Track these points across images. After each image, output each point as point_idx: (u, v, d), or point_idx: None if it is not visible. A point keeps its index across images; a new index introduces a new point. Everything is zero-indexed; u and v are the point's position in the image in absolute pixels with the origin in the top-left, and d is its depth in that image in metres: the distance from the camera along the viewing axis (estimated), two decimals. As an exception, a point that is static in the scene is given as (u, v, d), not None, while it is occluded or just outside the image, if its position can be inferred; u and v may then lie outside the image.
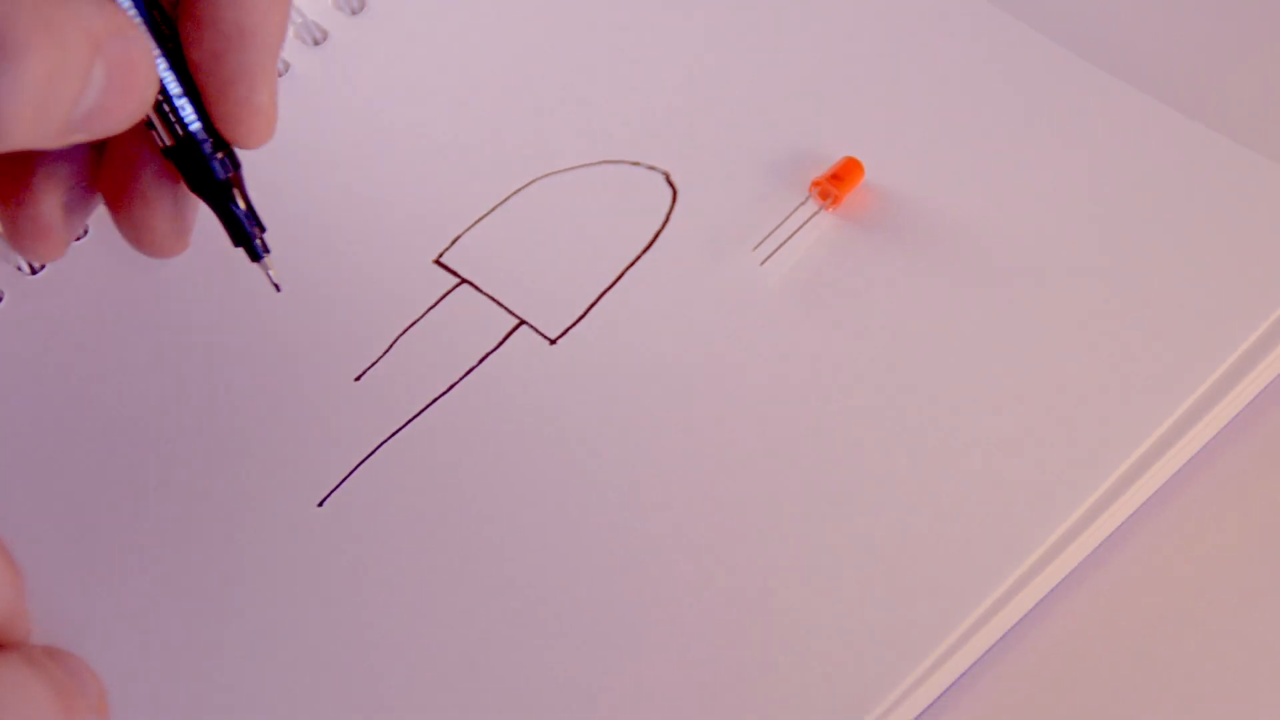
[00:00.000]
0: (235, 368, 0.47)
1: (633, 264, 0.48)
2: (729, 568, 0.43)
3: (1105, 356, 0.46)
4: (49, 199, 0.46)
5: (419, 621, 0.43)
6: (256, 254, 0.44)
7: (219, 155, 0.43)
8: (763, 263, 0.48)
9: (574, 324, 0.48)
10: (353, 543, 0.44)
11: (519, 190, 0.50)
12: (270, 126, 0.43)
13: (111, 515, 0.45)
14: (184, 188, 0.43)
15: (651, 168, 0.50)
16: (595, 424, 0.46)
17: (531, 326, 0.48)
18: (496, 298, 0.48)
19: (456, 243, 0.49)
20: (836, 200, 0.49)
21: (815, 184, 0.49)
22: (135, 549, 0.44)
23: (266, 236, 0.44)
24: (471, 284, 0.48)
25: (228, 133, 0.42)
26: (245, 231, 0.43)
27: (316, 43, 0.53)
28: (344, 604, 0.43)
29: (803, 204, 0.49)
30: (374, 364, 0.47)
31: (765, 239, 0.49)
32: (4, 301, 0.48)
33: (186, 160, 0.43)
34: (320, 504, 0.45)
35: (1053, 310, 0.47)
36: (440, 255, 0.49)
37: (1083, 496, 0.44)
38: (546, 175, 0.50)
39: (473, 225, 0.49)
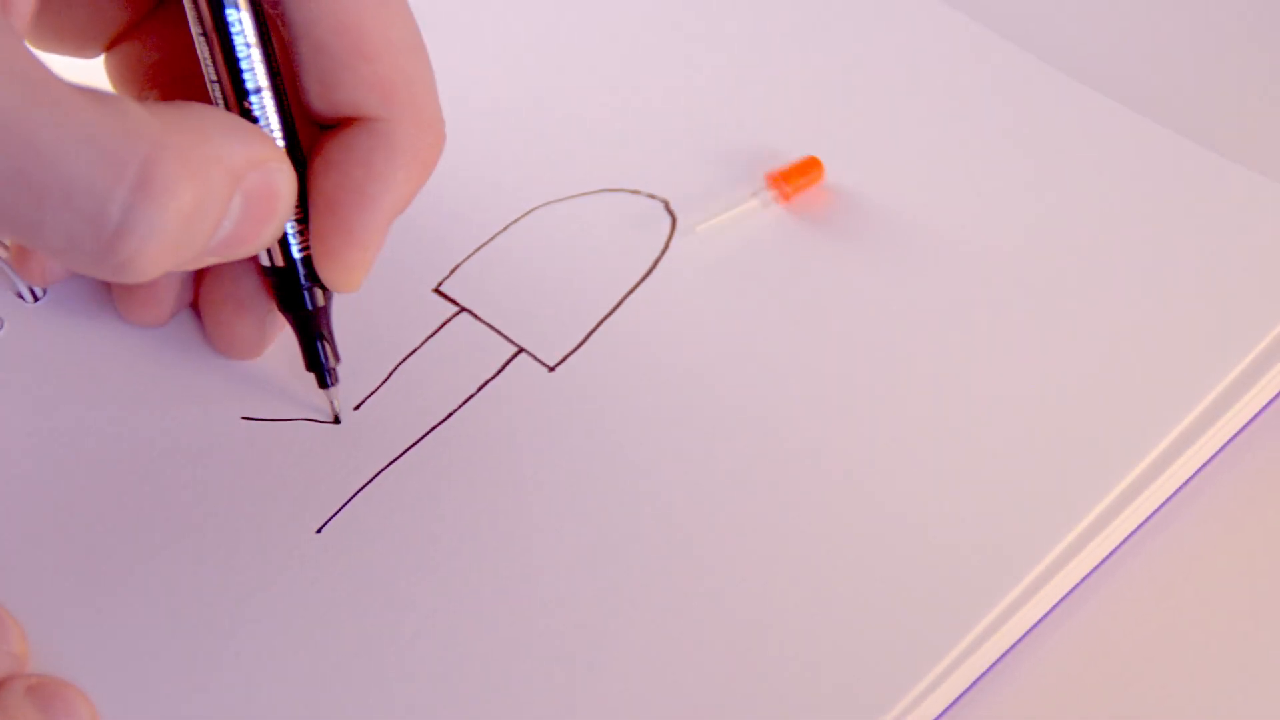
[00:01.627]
0: (235, 394, 0.47)
1: (631, 291, 0.49)
2: (734, 591, 0.43)
3: (1102, 373, 0.46)
4: (169, 275, 0.47)
5: (418, 647, 0.43)
6: (325, 382, 0.46)
7: (313, 285, 0.44)
8: (697, 229, 0.49)
9: (572, 351, 0.48)
10: (351, 569, 0.44)
11: (518, 219, 0.50)
12: (357, 282, 0.45)
13: (110, 541, 0.45)
14: (273, 304, 0.45)
15: (651, 195, 0.50)
16: (594, 450, 0.46)
17: (530, 354, 0.48)
18: (495, 326, 0.48)
19: (456, 271, 0.49)
20: (787, 195, 0.49)
21: (769, 177, 0.50)
22: (133, 574, 0.44)
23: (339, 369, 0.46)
24: (470, 312, 0.48)
25: (319, 270, 0.44)
26: (320, 360, 0.46)
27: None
28: (343, 630, 0.43)
29: (756, 194, 0.50)
30: (374, 392, 0.47)
31: (710, 220, 0.49)
32: (4, 329, 0.48)
33: (283, 282, 0.45)
34: (319, 530, 0.45)
35: (1049, 329, 0.47)
36: (440, 284, 0.49)
37: (1083, 512, 0.44)
38: (546, 204, 0.50)
39: (472, 254, 0.50)
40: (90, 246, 0.37)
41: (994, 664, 0.43)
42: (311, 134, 0.45)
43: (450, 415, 0.47)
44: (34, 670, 0.42)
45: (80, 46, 0.47)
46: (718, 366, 0.47)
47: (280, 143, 0.43)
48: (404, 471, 0.46)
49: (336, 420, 0.46)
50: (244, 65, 0.43)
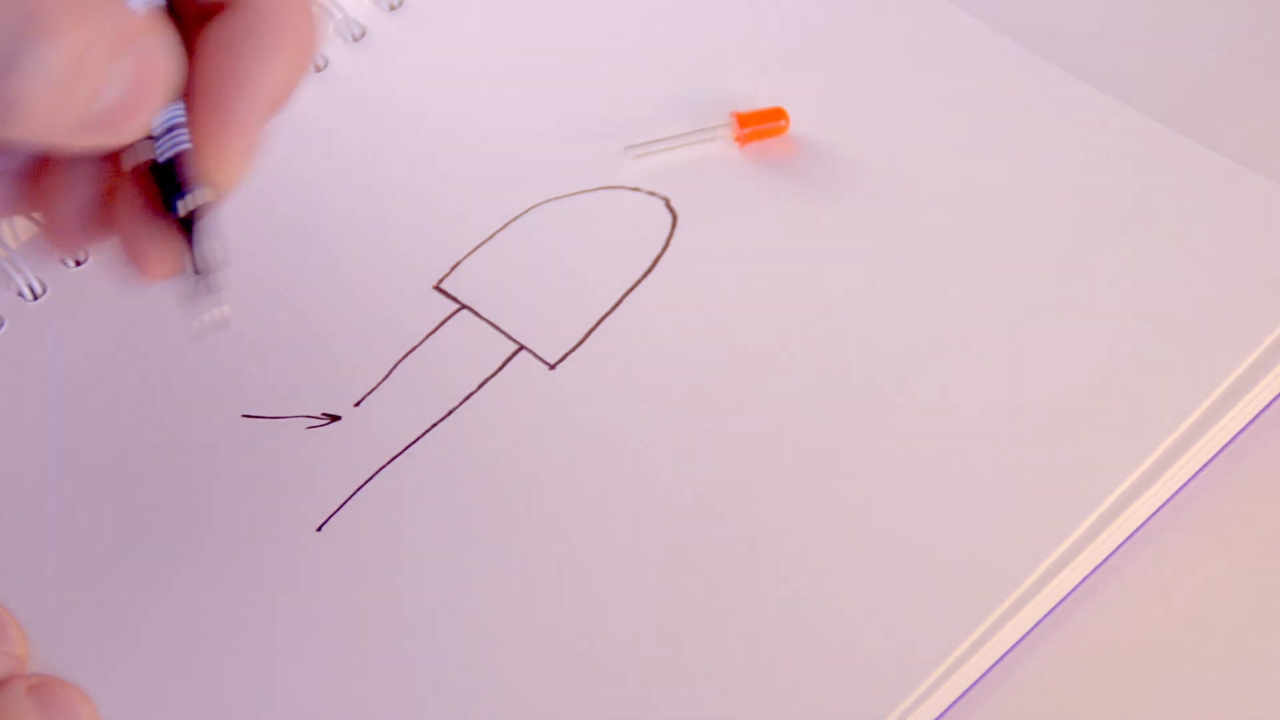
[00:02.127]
0: (236, 392, 0.47)
1: (632, 289, 0.49)
2: (733, 591, 0.43)
3: (1102, 373, 0.46)
4: (80, 197, 0.45)
5: (418, 645, 0.43)
6: (198, 268, 0.42)
7: (193, 183, 0.42)
8: (636, 156, 0.50)
9: (573, 349, 0.48)
10: (351, 567, 0.44)
11: (519, 216, 0.50)
12: (235, 173, 0.42)
13: (111, 539, 0.45)
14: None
15: (651, 193, 0.50)
16: (595, 448, 0.46)
17: (531, 352, 0.48)
18: (496, 323, 0.48)
19: (457, 268, 0.49)
20: (744, 137, 0.50)
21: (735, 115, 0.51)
22: (135, 572, 0.44)
23: (222, 280, 0.42)
24: (471, 309, 0.48)
25: (197, 159, 0.42)
26: (195, 247, 0.42)
27: (318, 69, 0.53)
28: (343, 628, 0.43)
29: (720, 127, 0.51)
30: (374, 389, 0.47)
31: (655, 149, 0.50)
32: (4, 327, 0.48)
33: (162, 174, 0.42)
34: (319, 528, 0.45)
35: (1047, 329, 0.47)
36: (440, 281, 0.49)
37: (1083, 513, 0.44)
38: (546, 201, 0.50)
39: (473, 251, 0.50)
40: None
41: (994, 664, 0.43)
42: (191, 23, 0.43)
43: (451, 413, 0.47)
44: (34, 670, 0.43)
45: None
46: (718, 365, 0.47)
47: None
48: (404, 469, 0.46)
49: (211, 328, 0.43)
50: None
